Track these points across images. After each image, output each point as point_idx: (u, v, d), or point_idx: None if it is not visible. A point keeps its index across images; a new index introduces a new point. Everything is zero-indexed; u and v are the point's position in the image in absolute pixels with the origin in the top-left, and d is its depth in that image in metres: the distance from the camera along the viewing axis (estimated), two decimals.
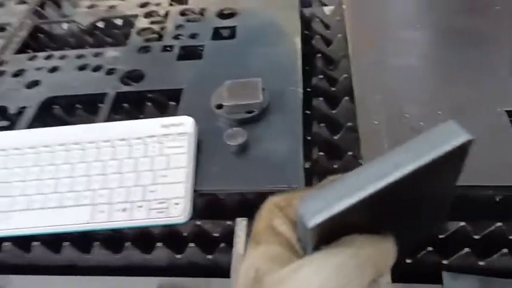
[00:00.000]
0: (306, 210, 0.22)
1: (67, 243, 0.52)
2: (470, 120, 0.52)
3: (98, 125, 0.59)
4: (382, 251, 0.24)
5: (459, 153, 0.23)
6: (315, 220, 0.21)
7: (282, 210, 0.26)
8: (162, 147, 0.54)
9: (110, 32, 0.84)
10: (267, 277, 0.23)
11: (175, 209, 0.50)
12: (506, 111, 0.53)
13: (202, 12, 0.80)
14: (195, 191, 0.52)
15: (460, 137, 0.22)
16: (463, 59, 0.60)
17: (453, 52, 0.61)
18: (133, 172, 0.53)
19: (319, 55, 0.68)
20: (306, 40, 0.74)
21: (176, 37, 0.75)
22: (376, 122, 0.54)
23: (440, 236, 0.48)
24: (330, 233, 0.23)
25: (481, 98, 0.55)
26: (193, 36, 0.74)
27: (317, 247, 0.23)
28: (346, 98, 0.60)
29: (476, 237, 0.47)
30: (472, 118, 0.53)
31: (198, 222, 0.51)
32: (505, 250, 0.45)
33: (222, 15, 0.79)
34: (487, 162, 0.49)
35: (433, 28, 0.65)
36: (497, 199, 0.50)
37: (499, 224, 0.47)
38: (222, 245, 0.50)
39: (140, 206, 0.50)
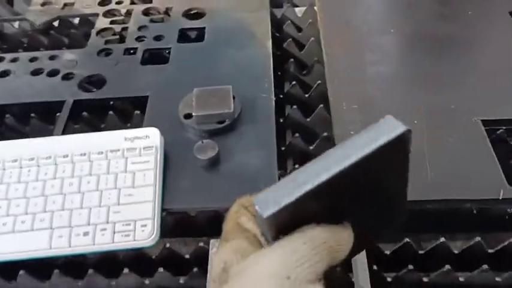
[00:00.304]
0: (261, 202, 0.23)
1: (23, 271, 0.47)
2: (447, 131, 0.51)
3: (55, 138, 0.55)
4: (338, 238, 0.25)
5: (400, 145, 0.25)
6: (268, 211, 0.23)
7: (247, 208, 0.27)
8: (127, 163, 0.50)
9: (67, 32, 0.78)
10: (233, 268, 0.25)
11: (143, 232, 0.46)
12: (481, 120, 0.52)
13: (167, 12, 0.76)
14: (163, 209, 0.49)
15: (397, 129, 0.24)
16: (437, 66, 0.59)
17: (427, 58, 0.60)
18: (96, 191, 0.49)
19: (291, 60, 0.66)
20: (278, 43, 0.71)
21: (139, 39, 0.70)
22: (352, 133, 0.52)
23: (420, 252, 0.47)
24: (288, 224, 0.24)
25: (457, 107, 0.54)
26: (158, 38, 0.70)
27: (277, 237, 0.25)
28: (321, 105, 0.57)
29: (456, 252, 0.46)
30: (448, 128, 0.52)
31: (168, 245, 0.48)
32: (485, 266, 0.44)
33: (188, 15, 0.74)
34: (464, 174, 0.48)
35: (408, 33, 0.64)
36: (475, 211, 0.49)
37: (478, 238, 0.46)
38: (195, 269, 0.47)
39: (104, 229, 0.46)
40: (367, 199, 0.27)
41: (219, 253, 0.26)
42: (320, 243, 0.24)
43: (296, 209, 0.23)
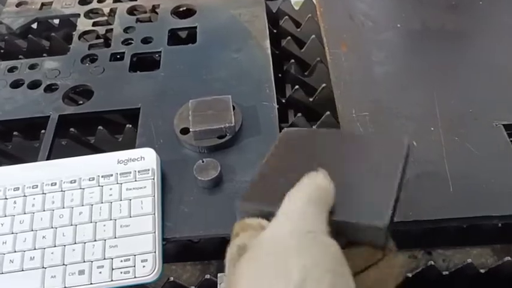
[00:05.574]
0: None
1: None
2: (466, 138, 0.47)
3: (41, 164, 0.50)
4: (318, 181, 0.28)
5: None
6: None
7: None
8: (121, 190, 0.46)
9: (47, 34, 0.72)
10: (251, 242, 0.26)
11: (143, 267, 0.42)
12: (503, 125, 0.49)
13: (154, 10, 0.70)
14: (164, 239, 0.45)
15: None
16: (450, 64, 0.55)
17: (439, 56, 0.56)
18: (89, 223, 0.44)
19: (292, 60, 0.61)
20: (275, 41, 0.66)
21: (126, 42, 0.65)
22: None
23: (445, 273, 0.43)
24: None
25: (475, 111, 0.50)
26: (146, 40, 0.65)
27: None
28: (328, 113, 0.53)
29: (483, 271, 0.43)
30: (467, 135, 0.48)
31: (171, 278, 0.44)
32: None
33: (178, 13, 0.69)
34: (488, 187, 0.45)
35: (416, 28, 0.59)
36: (500, 224, 0.46)
37: (507, 258, 0.43)
38: None
39: (100, 266, 0.42)
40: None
41: (231, 246, 0.28)
42: (315, 195, 0.27)
43: None
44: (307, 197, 0.26)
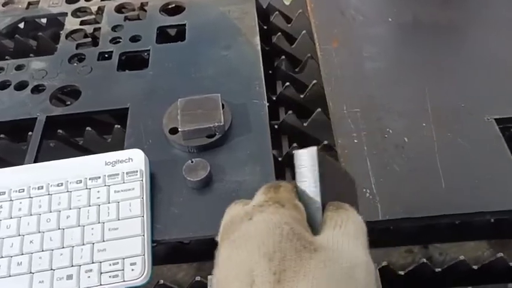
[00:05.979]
0: None
1: None
2: (458, 133, 0.47)
3: (27, 167, 0.49)
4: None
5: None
6: None
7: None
8: (109, 192, 0.45)
9: (34, 34, 0.71)
10: (311, 244, 0.26)
11: (133, 271, 0.41)
12: (495, 119, 0.48)
13: (143, 7, 0.69)
14: (153, 241, 0.44)
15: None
16: (442, 59, 0.54)
17: (430, 51, 0.55)
18: (77, 227, 0.44)
19: (282, 57, 0.60)
20: (266, 37, 0.65)
21: (114, 41, 0.64)
22: (356, 141, 0.48)
23: (437, 270, 0.43)
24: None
25: (467, 105, 0.50)
26: (134, 38, 0.64)
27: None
28: (319, 109, 0.52)
29: (475, 267, 0.43)
30: (459, 130, 0.48)
31: (161, 281, 0.44)
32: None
33: (167, 10, 0.68)
34: (480, 182, 0.44)
35: (408, 22, 0.58)
36: (493, 220, 0.46)
37: (500, 254, 0.42)
38: None
39: (89, 270, 0.42)
40: None
41: (274, 213, 0.28)
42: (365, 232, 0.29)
43: None
44: (364, 231, 0.28)
